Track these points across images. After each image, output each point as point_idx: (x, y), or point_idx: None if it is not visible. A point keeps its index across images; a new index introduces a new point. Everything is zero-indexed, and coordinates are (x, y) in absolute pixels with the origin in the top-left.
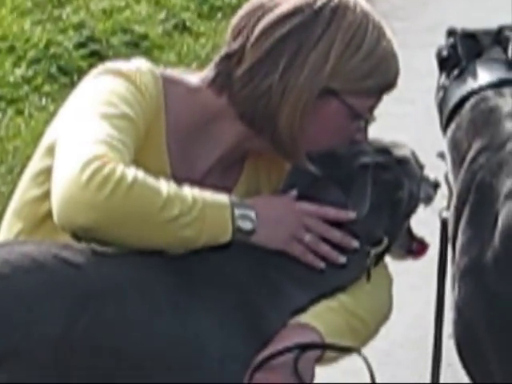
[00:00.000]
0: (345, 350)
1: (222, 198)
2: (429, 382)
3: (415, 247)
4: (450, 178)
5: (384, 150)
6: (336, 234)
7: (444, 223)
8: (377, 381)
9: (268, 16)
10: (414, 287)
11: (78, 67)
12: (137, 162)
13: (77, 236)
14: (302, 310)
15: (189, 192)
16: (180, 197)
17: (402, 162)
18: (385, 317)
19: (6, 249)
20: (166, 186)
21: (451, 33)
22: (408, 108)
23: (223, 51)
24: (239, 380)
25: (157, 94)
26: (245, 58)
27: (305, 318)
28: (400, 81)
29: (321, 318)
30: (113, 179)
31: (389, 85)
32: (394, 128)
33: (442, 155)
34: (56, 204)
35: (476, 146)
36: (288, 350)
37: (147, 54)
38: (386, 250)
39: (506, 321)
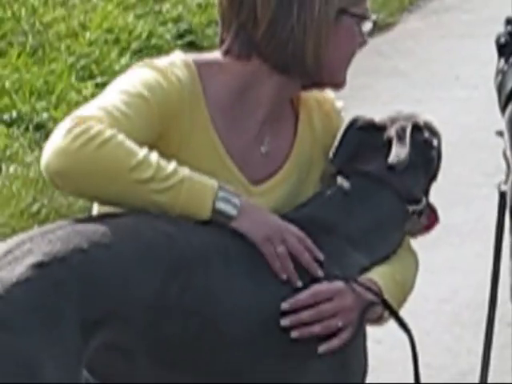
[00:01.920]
0: (394, 314)
1: (211, 180)
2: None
3: (428, 214)
4: (508, 154)
5: (411, 117)
6: (307, 258)
7: (502, 195)
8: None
9: None
10: (479, 255)
11: None
12: (187, 146)
13: (57, 185)
14: (366, 269)
15: (173, 165)
16: (159, 165)
17: (428, 125)
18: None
19: (105, 221)
20: (145, 153)
21: (509, 21)
22: (472, 93)
23: (235, 25)
24: None
25: (192, 82)
26: (259, 18)
27: (371, 275)
28: (466, 69)
29: (383, 279)
30: (89, 133)
31: None
32: (459, 111)
33: (500, 133)
34: (43, 152)
35: None
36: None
37: None
38: (424, 210)
39: None
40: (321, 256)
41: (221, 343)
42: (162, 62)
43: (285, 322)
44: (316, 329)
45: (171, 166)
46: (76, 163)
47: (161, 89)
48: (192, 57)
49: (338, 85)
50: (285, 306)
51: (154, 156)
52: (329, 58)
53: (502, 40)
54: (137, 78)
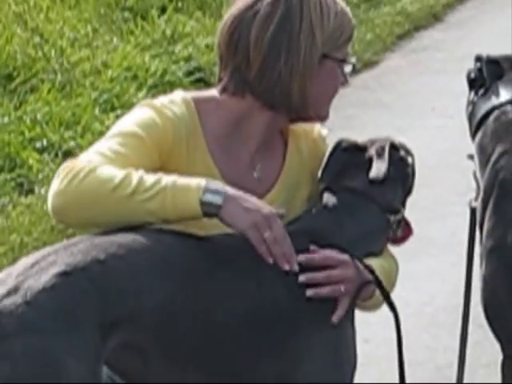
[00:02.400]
0: (386, 294)
1: (198, 179)
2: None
3: (403, 228)
4: (478, 175)
5: (387, 139)
6: (287, 247)
7: (473, 211)
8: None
9: (254, 24)
10: (454, 264)
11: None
12: (187, 174)
13: (62, 222)
14: None
15: (157, 176)
16: (141, 179)
17: (403, 145)
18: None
19: (120, 234)
20: (126, 172)
21: (478, 59)
22: (447, 122)
23: (231, 67)
24: None
25: (191, 116)
26: (252, 62)
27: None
28: (441, 101)
29: (374, 265)
30: (73, 171)
31: (353, 32)
32: (436, 138)
33: (471, 157)
34: None
35: (498, 150)
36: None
37: None
38: (402, 220)
39: None
40: (295, 268)
41: (222, 342)
42: (161, 100)
43: (302, 278)
44: (325, 290)
45: (154, 176)
46: (67, 199)
47: (155, 127)
48: (192, 94)
49: (321, 119)
50: (301, 258)
51: (137, 173)
52: (313, 97)
53: (472, 75)
54: (133, 118)
